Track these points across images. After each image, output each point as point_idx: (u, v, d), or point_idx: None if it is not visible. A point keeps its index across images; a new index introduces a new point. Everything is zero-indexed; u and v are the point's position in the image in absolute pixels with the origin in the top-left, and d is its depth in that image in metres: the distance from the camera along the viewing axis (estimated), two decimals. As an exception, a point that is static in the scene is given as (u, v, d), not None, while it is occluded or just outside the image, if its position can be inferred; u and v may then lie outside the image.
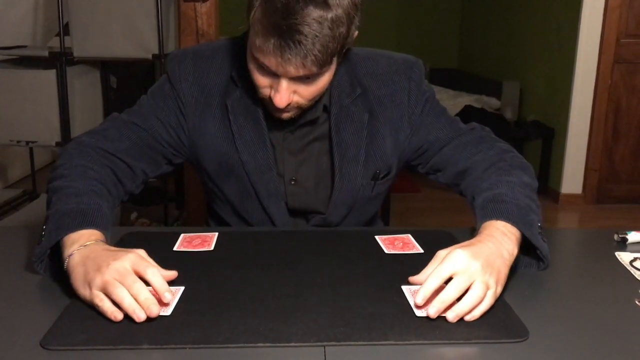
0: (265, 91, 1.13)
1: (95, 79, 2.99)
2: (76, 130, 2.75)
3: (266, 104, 1.18)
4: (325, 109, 1.24)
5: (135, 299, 0.86)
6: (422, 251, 1.15)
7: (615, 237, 1.24)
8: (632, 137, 4.18)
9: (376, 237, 1.21)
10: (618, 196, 4.25)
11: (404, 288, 0.97)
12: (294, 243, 1.18)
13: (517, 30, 5.14)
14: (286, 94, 1.09)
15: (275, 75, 1.08)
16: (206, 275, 1.02)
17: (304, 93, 1.12)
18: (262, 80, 1.11)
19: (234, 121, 1.23)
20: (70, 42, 2.63)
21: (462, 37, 6.77)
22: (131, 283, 0.87)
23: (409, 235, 1.22)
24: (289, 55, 1.01)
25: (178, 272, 1.02)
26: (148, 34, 2.59)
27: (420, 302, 0.87)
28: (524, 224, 1.03)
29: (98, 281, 0.88)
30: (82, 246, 0.95)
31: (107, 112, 3.06)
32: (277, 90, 1.09)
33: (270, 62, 1.05)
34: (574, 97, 4.12)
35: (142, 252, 0.95)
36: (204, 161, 1.28)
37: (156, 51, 2.61)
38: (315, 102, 1.19)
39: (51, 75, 2.63)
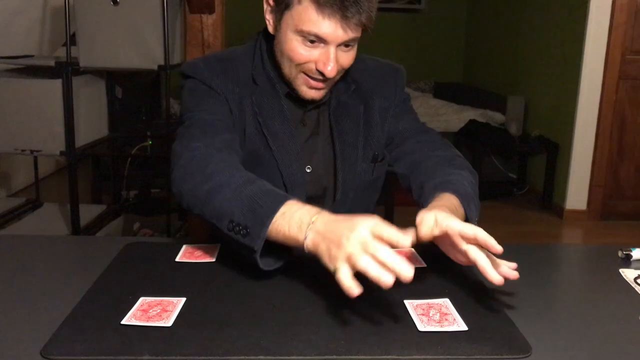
0: (309, 66, 1.21)
1: (100, 89, 3.00)
2: (80, 139, 2.76)
3: (300, 84, 1.25)
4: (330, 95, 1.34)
5: (383, 264, 0.86)
6: (425, 265, 1.14)
7: (620, 253, 1.23)
8: (637, 153, 4.17)
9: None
10: (623, 212, 4.23)
11: (407, 302, 0.97)
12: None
13: (522, 45, 5.15)
14: (335, 61, 1.19)
15: (321, 46, 1.19)
16: (208, 287, 1.02)
17: (344, 61, 1.22)
18: (307, 55, 1.20)
19: (259, 113, 1.29)
20: (77, 52, 2.64)
21: (467, 51, 6.79)
22: (374, 250, 0.87)
23: (412, 249, 1.22)
24: (349, 14, 1.13)
25: (180, 283, 1.01)
26: (154, 45, 2.60)
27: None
28: (466, 201, 1.14)
29: (341, 255, 0.89)
30: (311, 223, 0.95)
31: (112, 122, 3.07)
32: (326, 59, 1.19)
33: (329, 28, 1.15)
34: (579, 112, 4.12)
35: (376, 219, 0.94)
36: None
37: (162, 62, 2.62)
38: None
39: (57, 84, 2.64)
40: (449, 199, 1.13)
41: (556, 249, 1.56)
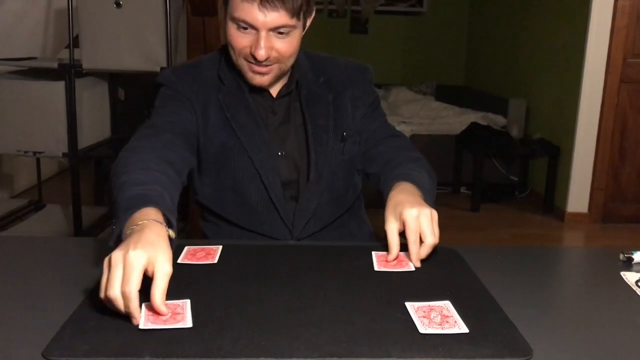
0: (245, 50, 1.30)
1: (103, 91, 3.01)
2: (83, 141, 2.76)
3: (245, 71, 1.34)
4: (297, 86, 1.43)
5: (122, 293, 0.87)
6: (413, 269, 1.14)
7: (621, 256, 1.23)
8: (638, 157, 4.17)
9: (372, 252, 1.21)
10: (624, 215, 4.23)
11: (408, 305, 0.97)
12: (298, 257, 1.18)
13: (524, 48, 5.16)
14: (266, 44, 1.27)
15: (254, 32, 1.26)
16: (209, 288, 1.02)
17: (280, 48, 1.29)
18: (242, 40, 1.29)
19: (227, 110, 1.39)
20: (80, 54, 2.65)
21: (468, 54, 6.79)
22: (129, 276, 0.88)
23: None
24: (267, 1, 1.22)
25: (182, 284, 1.02)
26: (157, 47, 2.61)
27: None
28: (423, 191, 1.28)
29: (115, 255, 0.90)
30: (136, 225, 0.98)
31: (114, 124, 3.08)
32: (257, 44, 1.27)
33: (252, 13, 1.23)
34: (580, 115, 4.12)
35: (167, 257, 0.93)
36: (208, 147, 1.40)
37: (164, 64, 2.63)
38: (288, 75, 1.41)
39: (60, 86, 2.65)
40: (406, 186, 1.27)
41: (557, 251, 1.56)
